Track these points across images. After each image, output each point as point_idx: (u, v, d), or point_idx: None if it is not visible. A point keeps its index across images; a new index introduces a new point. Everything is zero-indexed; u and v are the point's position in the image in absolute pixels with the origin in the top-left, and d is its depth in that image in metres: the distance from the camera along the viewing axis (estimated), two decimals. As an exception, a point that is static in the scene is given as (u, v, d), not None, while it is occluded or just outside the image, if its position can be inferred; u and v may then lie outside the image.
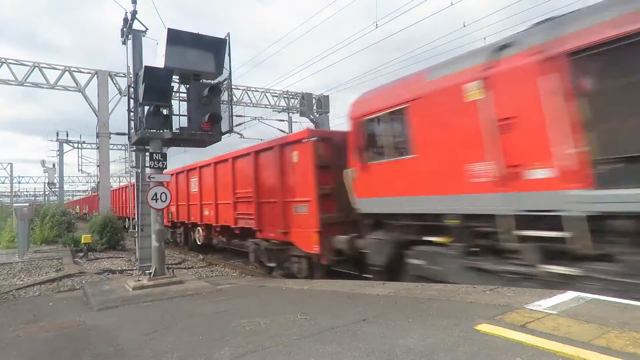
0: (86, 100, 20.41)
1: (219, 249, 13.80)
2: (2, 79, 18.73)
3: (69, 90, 20.41)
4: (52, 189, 36.21)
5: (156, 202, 7.54)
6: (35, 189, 65.48)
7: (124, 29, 8.34)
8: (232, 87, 8.52)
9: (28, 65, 19.25)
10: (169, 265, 9.89)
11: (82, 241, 13.60)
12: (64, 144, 30.59)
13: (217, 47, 8.03)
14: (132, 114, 7.96)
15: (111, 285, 7.91)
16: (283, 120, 25.61)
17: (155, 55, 7.92)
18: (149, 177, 7.81)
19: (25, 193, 68.92)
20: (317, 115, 27.66)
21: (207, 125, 7.83)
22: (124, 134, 11.12)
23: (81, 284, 8.69)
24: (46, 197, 46.88)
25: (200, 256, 13.89)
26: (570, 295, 4.05)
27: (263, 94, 26.20)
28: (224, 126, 8.17)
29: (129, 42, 8.37)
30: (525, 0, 12.43)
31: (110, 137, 21.16)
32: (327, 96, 28.29)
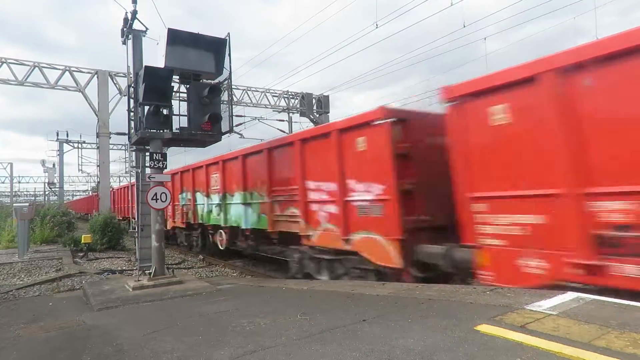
0: (86, 100, 20.42)
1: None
2: (3, 79, 18.75)
3: (69, 90, 20.43)
4: (52, 189, 36.20)
5: (156, 202, 7.54)
6: (35, 188, 65.45)
7: (124, 29, 8.34)
8: (232, 87, 8.51)
9: (28, 65, 19.26)
10: (169, 266, 9.89)
11: (82, 241, 13.60)
12: (64, 144, 30.61)
13: (217, 47, 8.03)
14: (132, 114, 7.96)
15: (111, 285, 7.91)
16: (283, 120, 25.65)
17: (156, 55, 7.93)
18: (149, 177, 7.81)
19: (25, 193, 68.91)
20: (317, 115, 27.69)
21: (207, 125, 7.82)
22: (124, 134, 11.11)
23: (81, 284, 8.69)
24: (46, 197, 46.88)
25: (200, 256, 13.89)
26: (570, 295, 4.05)
27: (263, 94, 26.22)
28: (224, 126, 8.17)
29: (129, 42, 8.36)
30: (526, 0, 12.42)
31: (110, 137, 21.17)
32: (327, 96, 28.33)
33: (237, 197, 10.55)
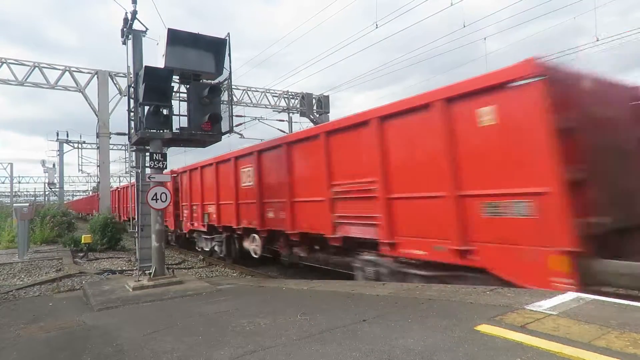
0: (86, 100, 20.43)
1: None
2: (3, 79, 18.75)
3: (69, 90, 20.43)
4: (52, 189, 36.20)
5: (156, 202, 7.55)
6: (35, 189, 65.56)
7: (124, 29, 8.34)
8: (233, 87, 8.51)
9: (28, 65, 19.26)
10: (169, 266, 9.88)
11: (82, 241, 13.60)
12: (64, 144, 30.60)
13: (217, 47, 8.04)
14: (132, 114, 7.95)
15: (111, 285, 7.91)
16: (283, 121, 25.67)
17: (156, 55, 7.93)
18: (149, 177, 7.81)
19: (25, 193, 68.96)
20: (317, 116, 27.69)
21: (207, 125, 7.82)
22: (124, 134, 11.11)
23: (81, 284, 8.70)
24: (46, 197, 46.90)
25: (200, 256, 13.90)
26: (570, 295, 4.05)
27: (263, 94, 26.23)
28: (224, 126, 8.17)
29: (129, 42, 8.36)
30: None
31: (110, 137, 21.17)
32: (327, 96, 28.34)
33: None
